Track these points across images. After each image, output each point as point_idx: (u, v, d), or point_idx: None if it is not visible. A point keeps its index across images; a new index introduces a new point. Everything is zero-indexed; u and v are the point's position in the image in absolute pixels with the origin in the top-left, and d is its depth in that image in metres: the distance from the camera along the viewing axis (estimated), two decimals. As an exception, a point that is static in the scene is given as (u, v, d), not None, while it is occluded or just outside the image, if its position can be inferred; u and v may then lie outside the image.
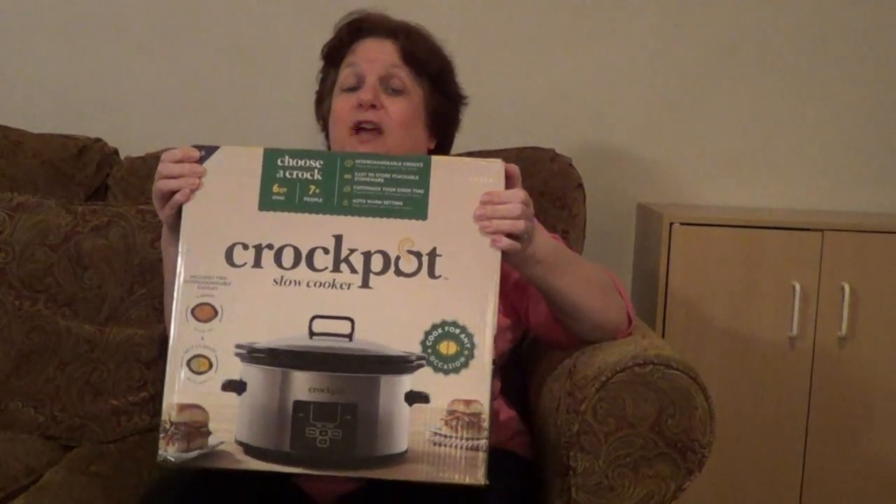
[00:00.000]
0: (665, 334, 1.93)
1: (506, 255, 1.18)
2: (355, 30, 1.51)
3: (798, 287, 1.92)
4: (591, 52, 2.22)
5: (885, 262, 1.93)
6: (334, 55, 1.53)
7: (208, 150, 1.20)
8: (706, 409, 1.26)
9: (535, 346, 1.60)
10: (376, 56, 1.47)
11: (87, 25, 2.20)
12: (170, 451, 1.13)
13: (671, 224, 1.93)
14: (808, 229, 1.93)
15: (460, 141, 1.63)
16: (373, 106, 1.43)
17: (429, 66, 1.50)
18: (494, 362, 1.14)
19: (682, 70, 2.23)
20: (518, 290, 1.41)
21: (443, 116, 1.54)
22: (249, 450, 1.13)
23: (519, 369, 1.61)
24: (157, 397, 1.65)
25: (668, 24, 2.22)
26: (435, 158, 1.20)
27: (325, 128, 1.57)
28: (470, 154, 1.89)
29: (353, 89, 1.46)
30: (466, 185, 1.17)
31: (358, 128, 1.43)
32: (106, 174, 1.96)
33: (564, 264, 1.30)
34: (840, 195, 2.26)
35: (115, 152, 2.03)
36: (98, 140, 2.01)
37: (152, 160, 1.91)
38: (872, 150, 2.25)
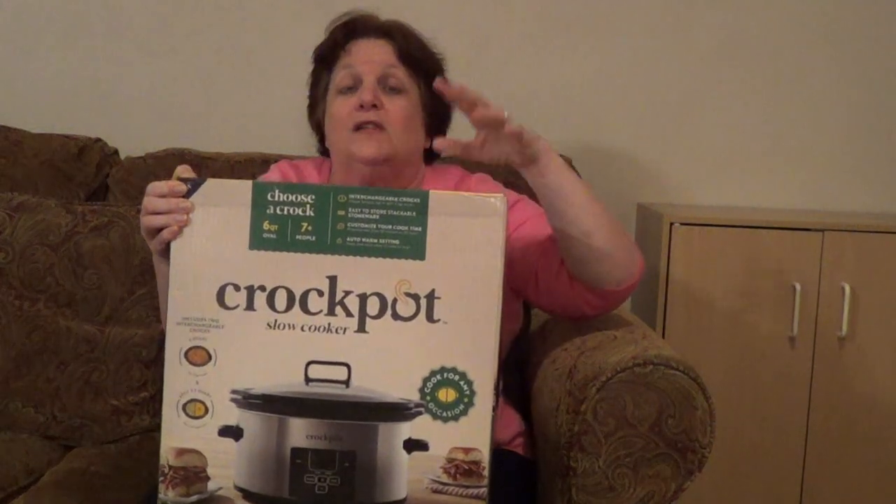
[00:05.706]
0: (665, 334, 1.93)
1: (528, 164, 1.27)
2: (349, 31, 1.49)
3: (798, 287, 1.92)
4: (591, 52, 2.21)
5: (885, 262, 1.93)
6: (327, 57, 1.50)
7: (195, 184, 1.15)
8: (706, 409, 1.26)
9: (535, 345, 1.60)
10: (373, 56, 1.45)
11: (87, 26, 2.20)
12: (170, 496, 1.13)
13: (671, 224, 1.93)
14: (808, 229, 1.93)
15: (460, 141, 1.62)
16: (374, 106, 1.41)
17: (424, 64, 1.49)
18: (495, 409, 1.12)
19: (681, 70, 2.23)
20: (525, 263, 1.38)
21: (439, 115, 1.53)
22: (248, 495, 1.12)
23: (519, 369, 1.61)
24: (157, 397, 1.67)
25: (667, 25, 2.22)
26: (433, 193, 1.13)
27: (319, 134, 1.55)
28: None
29: (349, 90, 1.44)
30: (467, 224, 1.12)
31: (359, 126, 1.42)
32: (106, 174, 1.96)
33: (577, 181, 1.33)
34: (840, 195, 2.26)
35: (115, 152, 2.03)
36: (98, 140, 2.01)
37: (152, 160, 1.91)
38: (872, 150, 2.25)
